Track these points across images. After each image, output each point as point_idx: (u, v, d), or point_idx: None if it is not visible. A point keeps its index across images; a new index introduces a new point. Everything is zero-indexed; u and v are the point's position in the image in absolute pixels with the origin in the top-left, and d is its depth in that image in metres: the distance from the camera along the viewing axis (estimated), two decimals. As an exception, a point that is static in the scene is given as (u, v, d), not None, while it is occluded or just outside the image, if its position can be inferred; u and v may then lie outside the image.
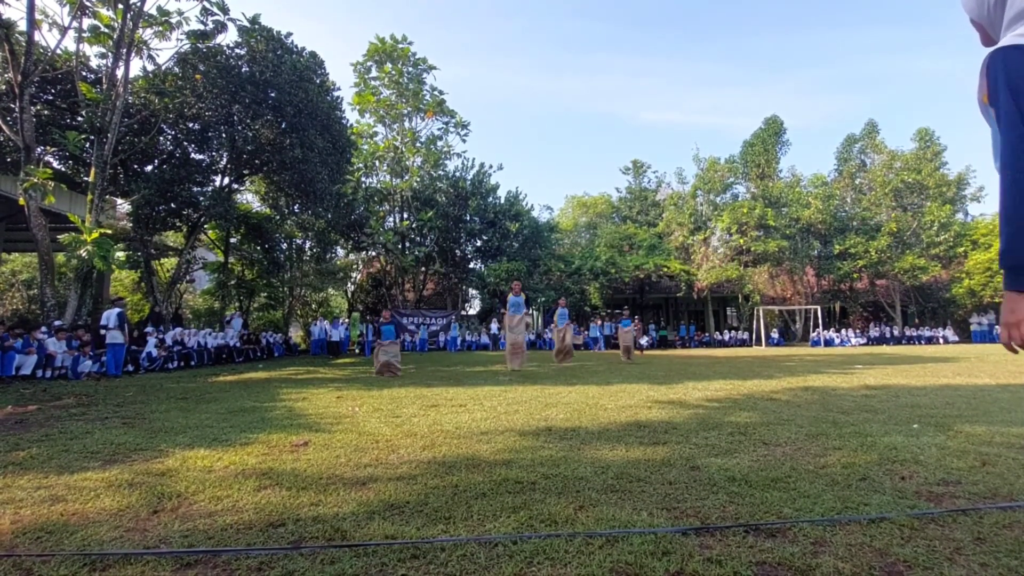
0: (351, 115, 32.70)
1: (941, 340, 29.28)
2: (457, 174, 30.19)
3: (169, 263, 21.64)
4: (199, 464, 3.43)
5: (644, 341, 26.36)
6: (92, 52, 15.62)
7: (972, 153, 71.90)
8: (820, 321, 29.75)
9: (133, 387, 9.13)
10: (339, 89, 19.82)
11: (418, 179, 28.98)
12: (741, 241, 30.13)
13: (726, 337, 31.04)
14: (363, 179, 28.41)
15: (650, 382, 8.74)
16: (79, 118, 14.32)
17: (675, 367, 13.02)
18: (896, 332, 30.83)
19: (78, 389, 8.75)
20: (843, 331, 30.99)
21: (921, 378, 9.00)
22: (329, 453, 3.73)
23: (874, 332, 31.26)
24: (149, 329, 14.67)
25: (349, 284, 30.88)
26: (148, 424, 5.10)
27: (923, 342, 29.34)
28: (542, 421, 4.99)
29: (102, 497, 2.73)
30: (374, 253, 29.28)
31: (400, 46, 28.85)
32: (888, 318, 32.69)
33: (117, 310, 12.00)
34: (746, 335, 30.83)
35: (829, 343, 28.97)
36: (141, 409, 6.19)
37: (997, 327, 28.54)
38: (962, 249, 30.33)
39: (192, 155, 17.67)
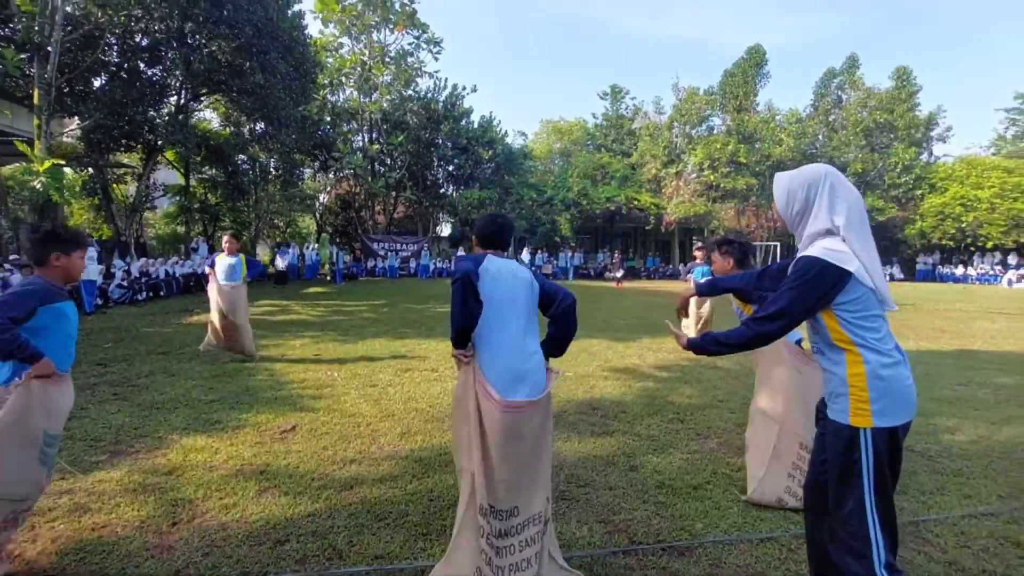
0: (314, 26, 30.34)
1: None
2: (429, 95, 28.90)
3: (127, 188, 20.74)
4: (200, 459, 3.84)
5: (620, 274, 27.30)
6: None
7: (946, 89, 72.08)
8: (779, 257, 31.03)
9: (108, 331, 9.29)
10: (300, 1, 18.38)
11: (388, 98, 27.65)
12: (712, 178, 30.44)
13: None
14: (328, 96, 26.98)
15: (611, 335, 9.42)
16: (13, 30, 13.05)
17: (639, 310, 13.79)
18: (850, 267, 32.39)
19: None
20: (799, 266, 32.34)
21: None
22: (316, 444, 4.19)
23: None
24: (116, 262, 14.46)
25: (317, 205, 30.19)
26: (138, 396, 5.42)
27: (872, 278, 31.10)
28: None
29: (122, 506, 3.13)
30: (342, 174, 28.45)
31: (367, -53, 26.29)
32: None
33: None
34: (708, 268, 31.95)
35: (785, 278, 30.36)
36: (125, 371, 6.47)
37: (939, 267, 29.83)
38: (920, 192, 31.40)
39: (143, 72, 16.47)
